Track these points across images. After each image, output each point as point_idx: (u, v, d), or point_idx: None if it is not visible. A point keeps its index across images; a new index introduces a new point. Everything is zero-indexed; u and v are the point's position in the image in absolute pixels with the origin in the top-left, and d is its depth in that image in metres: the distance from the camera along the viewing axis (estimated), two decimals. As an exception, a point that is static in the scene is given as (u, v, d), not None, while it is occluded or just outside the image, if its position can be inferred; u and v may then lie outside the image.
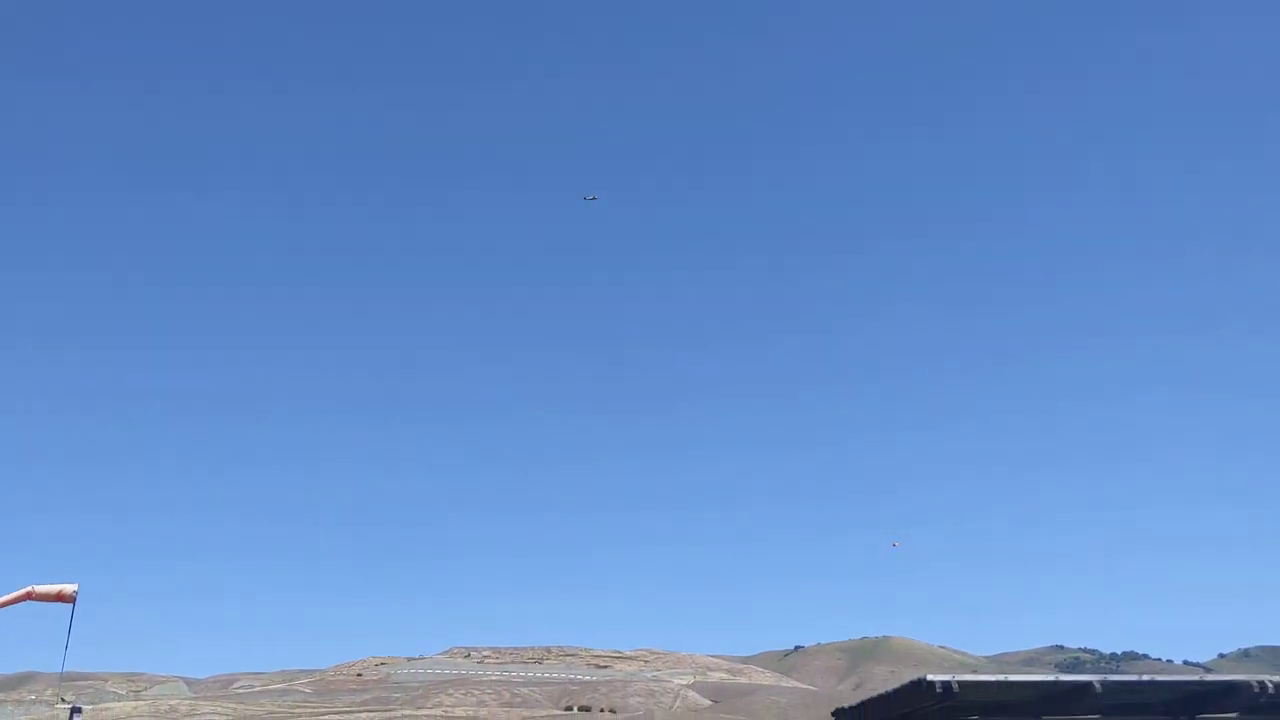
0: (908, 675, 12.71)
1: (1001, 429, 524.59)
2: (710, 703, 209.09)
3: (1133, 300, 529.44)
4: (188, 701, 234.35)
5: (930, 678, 12.05)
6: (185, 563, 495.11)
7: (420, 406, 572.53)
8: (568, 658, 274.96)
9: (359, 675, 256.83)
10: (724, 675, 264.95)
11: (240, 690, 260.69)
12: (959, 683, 11.95)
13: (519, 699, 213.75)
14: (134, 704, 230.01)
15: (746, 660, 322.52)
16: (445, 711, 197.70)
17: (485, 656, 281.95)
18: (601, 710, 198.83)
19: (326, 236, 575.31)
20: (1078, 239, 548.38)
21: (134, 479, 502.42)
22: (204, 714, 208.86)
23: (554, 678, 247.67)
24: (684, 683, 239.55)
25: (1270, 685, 13.03)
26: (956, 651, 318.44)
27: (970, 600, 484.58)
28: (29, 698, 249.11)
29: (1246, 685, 13.09)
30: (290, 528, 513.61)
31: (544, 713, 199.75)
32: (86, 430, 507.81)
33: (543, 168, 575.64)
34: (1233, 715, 14.64)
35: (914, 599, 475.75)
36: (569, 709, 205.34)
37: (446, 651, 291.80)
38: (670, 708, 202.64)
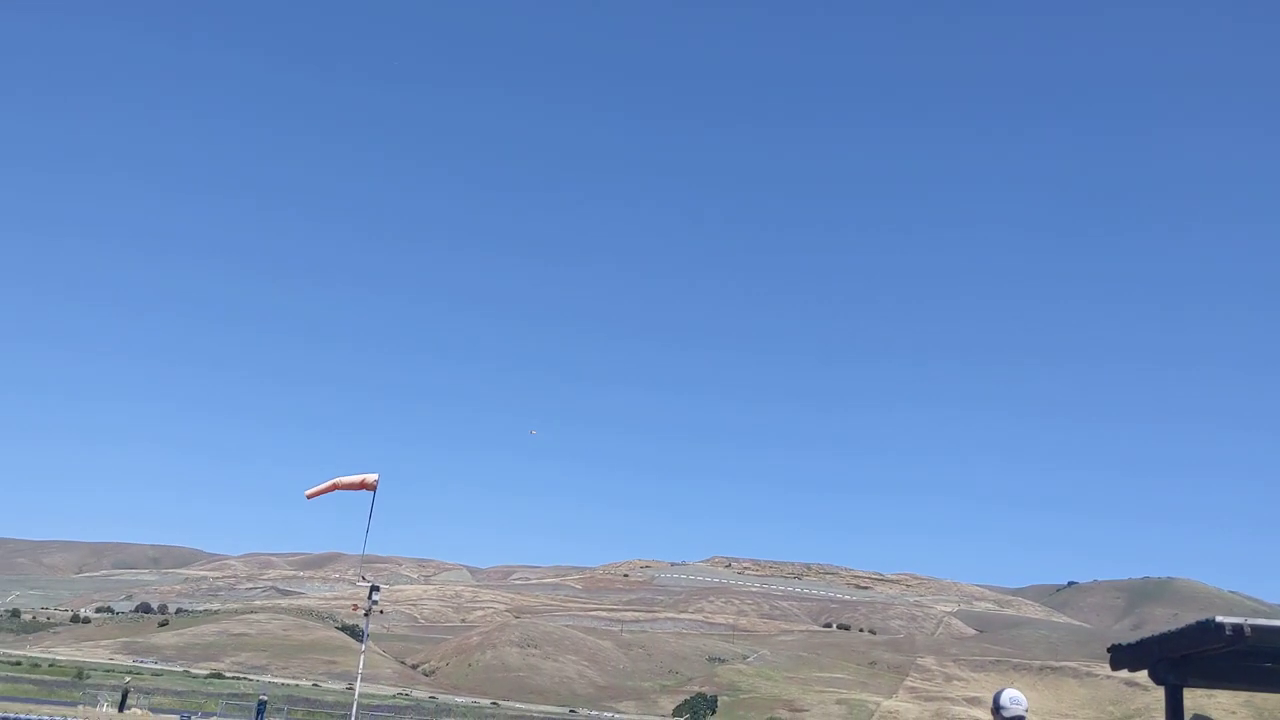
0: (1192, 619, 11.14)
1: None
2: (975, 632, 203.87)
3: None
4: (471, 588, 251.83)
5: (1219, 619, 10.57)
6: (477, 456, 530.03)
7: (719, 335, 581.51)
8: (827, 575, 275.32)
9: (625, 576, 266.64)
10: (990, 605, 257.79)
11: (517, 581, 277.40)
12: (1251, 626, 10.45)
13: (778, 612, 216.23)
14: (424, 587, 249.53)
15: (1015, 592, 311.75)
16: (706, 617, 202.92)
17: (745, 568, 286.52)
18: (860, 630, 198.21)
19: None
20: None
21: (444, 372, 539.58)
22: (485, 601, 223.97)
23: (813, 594, 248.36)
24: (948, 609, 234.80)
25: None
26: (1250, 598, 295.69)
27: (1261, 545, 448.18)
28: (334, 575, 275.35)
29: None
30: (597, 433, 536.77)
31: (802, 627, 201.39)
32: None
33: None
34: None
35: (1200, 542, 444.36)
36: (828, 626, 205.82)
37: (708, 560, 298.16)
38: (932, 633, 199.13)
